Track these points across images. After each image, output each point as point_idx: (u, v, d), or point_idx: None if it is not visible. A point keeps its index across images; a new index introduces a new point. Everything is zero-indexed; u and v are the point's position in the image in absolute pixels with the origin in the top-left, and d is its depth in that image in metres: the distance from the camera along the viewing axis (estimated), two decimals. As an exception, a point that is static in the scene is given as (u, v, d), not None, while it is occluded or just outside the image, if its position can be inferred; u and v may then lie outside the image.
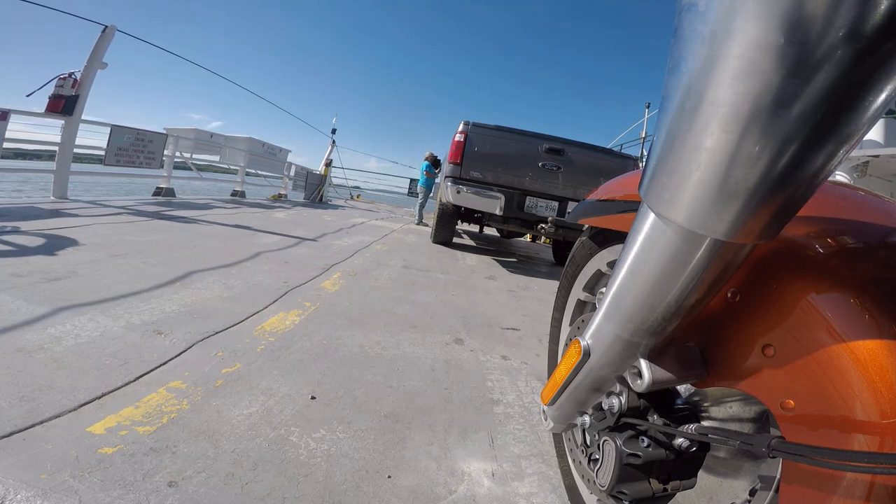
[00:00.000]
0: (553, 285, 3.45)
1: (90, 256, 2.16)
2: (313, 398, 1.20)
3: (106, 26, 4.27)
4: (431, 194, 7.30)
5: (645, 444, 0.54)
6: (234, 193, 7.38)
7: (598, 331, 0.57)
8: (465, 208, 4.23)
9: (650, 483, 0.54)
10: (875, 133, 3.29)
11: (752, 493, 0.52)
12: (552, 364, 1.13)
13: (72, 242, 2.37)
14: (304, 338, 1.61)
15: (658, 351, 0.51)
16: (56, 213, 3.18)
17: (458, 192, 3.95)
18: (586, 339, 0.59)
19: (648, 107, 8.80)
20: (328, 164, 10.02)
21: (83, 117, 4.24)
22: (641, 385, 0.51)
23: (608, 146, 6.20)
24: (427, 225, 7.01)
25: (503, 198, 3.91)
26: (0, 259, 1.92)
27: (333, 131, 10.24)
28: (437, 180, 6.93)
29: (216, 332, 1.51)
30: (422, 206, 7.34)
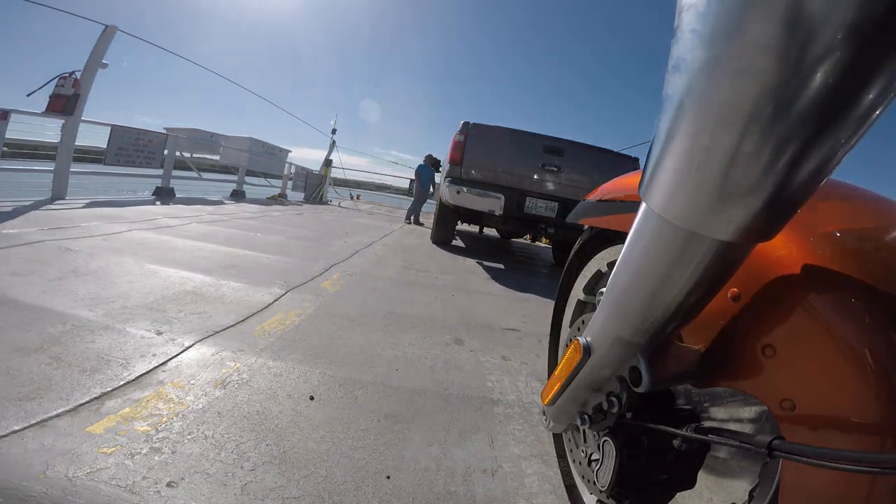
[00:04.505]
0: (553, 286, 3.45)
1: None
2: (312, 398, 1.20)
3: (106, 26, 4.27)
4: (431, 194, 7.32)
5: (645, 444, 0.54)
6: (234, 193, 7.39)
7: (598, 331, 0.57)
8: (464, 209, 4.24)
9: (650, 483, 0.54)
10: None
11: (752, 493, 0.52)
12: (552, 364, 1.13)
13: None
14: (304, 338, 1.61)
15: (658, 351, 0.51)
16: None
17: (458, 192, 3.95)
18: (586, 340, 0.59)
19: None
20: (328, 164, 10.02)
21: (83, 117, 4.24)
22: (641, 385, 0.51)
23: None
24: (422, 224, 7.02)
25: (503, 198, 3.91)
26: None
27: (333, 131, 10.24)
28: (437, 180, 6.94)
29: (217, 332, 1.51)
30: (419, 204, 7.34)
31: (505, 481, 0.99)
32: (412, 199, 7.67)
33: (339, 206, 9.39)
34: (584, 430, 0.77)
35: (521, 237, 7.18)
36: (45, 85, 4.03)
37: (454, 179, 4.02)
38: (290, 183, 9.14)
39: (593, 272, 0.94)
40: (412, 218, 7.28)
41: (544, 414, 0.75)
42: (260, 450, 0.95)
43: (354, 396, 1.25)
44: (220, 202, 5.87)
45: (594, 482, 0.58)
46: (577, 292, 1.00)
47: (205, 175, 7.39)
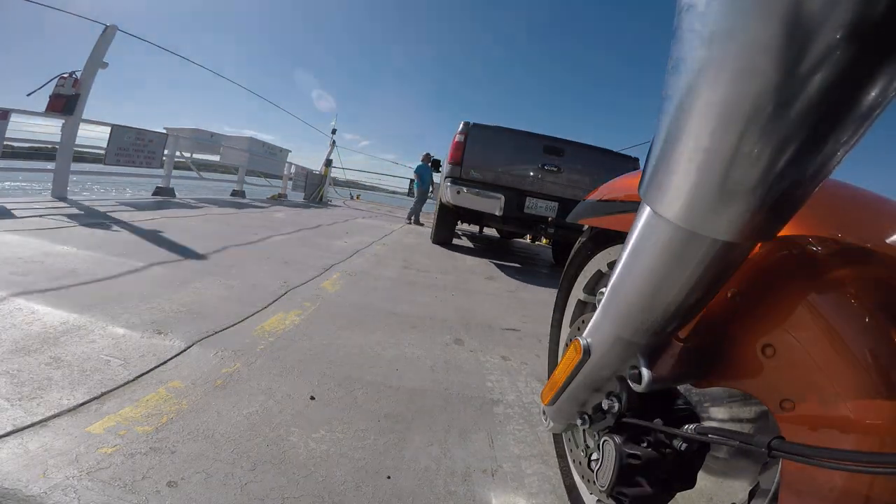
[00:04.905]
0: (553, 286, 3.45)
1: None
2: (312, 398, 1.20)
3: (107, 26, 4.27)
4: (431, 194, 7.32)
5: (645, 444, 0.54)
6: (234, 193, 7.39)
7: (598, 331, 0.57)
8: (464, 209, 4.24)
9: (650, 483, 0.54)
10: None
11: (752, 493, 0.52)
12: (552, 364, 1.13)
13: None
14: (304, 338, 1.61)
15: (658, 351, 0.51)
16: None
17: (458, 192, 3.95)
18: (586, 340, 0.59)
19: None
20: (328, 164, 10.02)
21: (83, 117, 4.25)
22: (641, 385, 0.51)
23: None
24: (422, 224, 7.02)
25: (503, 198, 3.91)
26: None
27: (333, 131, 10.24)
28: (437, 180, 6.94)
29: (216, 332, 1.51)
30: (420, 205, 7.36)
31: (505, 481, 0.99)
32: (413, 199, 7.68)
33: (344, 203, 9.40)
34: (584, 430, 0.77)
35: (522, 237, 7.18)
36: (45, 85, 4.04)
37: (454, 179, 4.02)
38: (289, 183, 9.14)
39: (593, 272, 0.94)
40: (413, 218, 7.28)
41: (544, 414, 0.75)
42: (260, 450, 0.95)
43: (354, 396, 1.25)
44: (230, 202, 5.88)
45: (594, 482, 0.58)
46: (578, 292, 1.00)
47: (204, 174, 7.39)
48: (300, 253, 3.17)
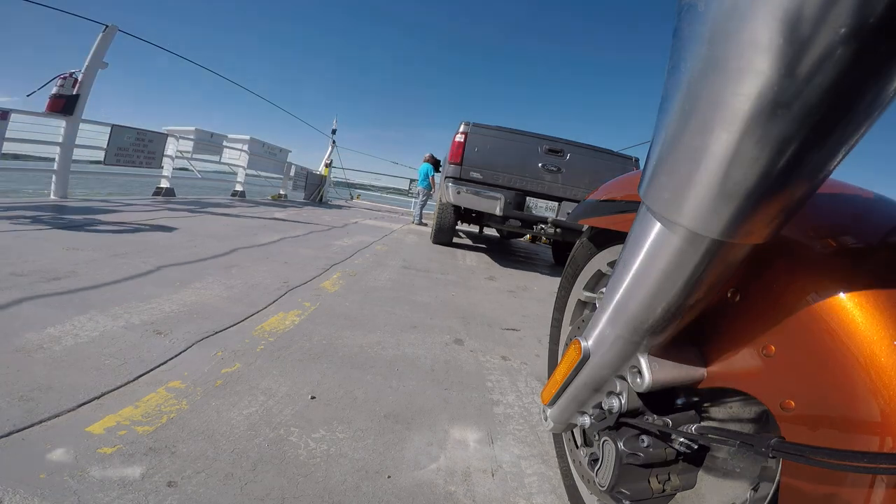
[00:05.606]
0: (553, 286, 3.45)
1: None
2: (313, 398, 1.20)
3: (107, 26, 4.27)
4: (431, 194, 7.34)
5: (645, 444, 0.54)
6: (234, 194, 7.38)
7: (598, 331, 0.57)
8: (464, 208, 4.23)
9: (650, 483, 0.54)
10: None
11: (752, 493, 0.52)
12: (552, 364, 1.13)
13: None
14: (304, 338, 1.61)
15: (658, 351, 0.51)
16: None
17: (458, 192, 3.95)
18: (586, 340, 0.59)
19: None
20: (328, 165, 10.02)
21: (83, 117, 4.25)
22: (641, 385, 0.51)
23: None
24: (426, 225, 7.03)
25: (503, 198, 3.91)
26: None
27: (334, 132, 10.24)
28: (437, 180, 6.96)
29: (215, 332, 1.51)
30: (421, 206, 7.39)
31: (505, 481, 0.99)
32: (413, 199, 7.69)
33: (346, 202, 9.39)
34: (583, 430, 0.77)
35: (521, 237, 7.18)
36: (45, 85, 4.04)
37: (455, 179, 4.02)
38: (290, 183, 9.13)
39: (593, 272, 0.94)
40: (416, 218, 7.33)
41: (544, 414, 0.75)
42: (260, 450, 0.95)
43: (354, 396, 1.25)
44: (226, 203, 5.88)
45: (594, 482, 0.58)
46: (578, 292, 1.00)
47: (203, 174, 7.39)
48: (300, 252, 3.17)
